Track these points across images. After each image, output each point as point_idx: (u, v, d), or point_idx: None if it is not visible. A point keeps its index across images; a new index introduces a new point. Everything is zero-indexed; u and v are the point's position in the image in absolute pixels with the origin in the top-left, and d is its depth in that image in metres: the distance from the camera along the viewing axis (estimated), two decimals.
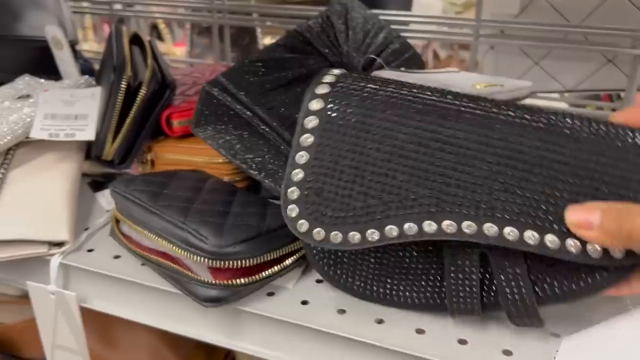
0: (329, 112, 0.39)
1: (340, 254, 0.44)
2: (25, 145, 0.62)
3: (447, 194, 0.37)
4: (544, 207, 0.35)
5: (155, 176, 0.58)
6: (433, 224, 0.36)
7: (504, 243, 0.37)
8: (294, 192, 0.39)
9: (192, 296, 0.46)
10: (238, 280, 0.45)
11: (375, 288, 0.44)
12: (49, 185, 0.58)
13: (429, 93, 0.39)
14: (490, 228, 0.36)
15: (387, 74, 0.59)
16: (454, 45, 1.58)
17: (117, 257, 0.53)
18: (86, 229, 0.58)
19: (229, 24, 0.87)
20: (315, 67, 0.59)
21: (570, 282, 0.37)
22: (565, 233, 0.35)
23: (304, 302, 0.47)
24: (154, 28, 2.73)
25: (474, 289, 0.40)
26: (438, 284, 0.43)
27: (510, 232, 0.36)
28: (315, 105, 0.39)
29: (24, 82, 0.70)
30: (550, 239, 0.35)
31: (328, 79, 0.39)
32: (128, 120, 0.60)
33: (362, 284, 0.44)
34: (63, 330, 0.55)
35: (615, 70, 0.77)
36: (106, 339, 0.72)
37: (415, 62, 0.70)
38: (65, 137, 0.60)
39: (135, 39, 0.70)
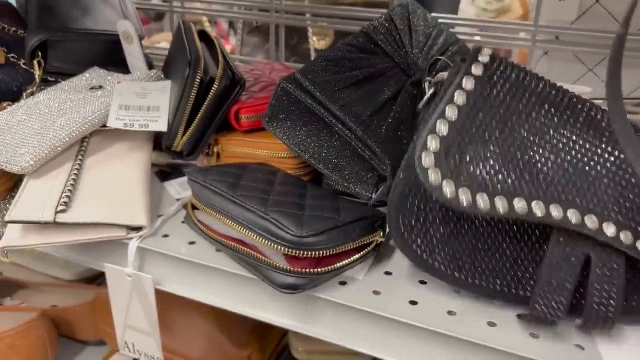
0: (486, 80, 0.40)
1: (432, 231, 0.44)
2: (98, 134, 0.65)
3: (576, 186, 0.38)
4: None
5: (229, 167, 0.60)
6: (560, 209, 0.37)
7: (617, 244, 0.38)
8: (432, 142, 0.38)
9: (269, 282, 0.48)
10: (314, 270, 0.47)
11: (458, 268, 0.44)
12: (125, 173, 0.61)
13: (555, 89, 0.42)
14: (608, 228, 0.38)
15: None
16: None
17: (192, 242, 0.56)
18: (159, 216, 0.60)
19: (284, 24, 0.89)
20: (382, 67, 0.60)
21: None
22: None
23: (376, 292, 0.49)
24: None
25: (569, 285, 0.40)
26: (520, 274, 0.44)
27: (624, 235, 0.38)
28: (475, 70, 0.40)
29: (94, 74, 0.73)
30: None
31: (483, 59, 0.41)
32: (200, 114, 0.63)
33: (446, 263, 0.44)
34: (136, 311, 0.57)
35: None
36: (164, 324, 0.75)
37: None
38: (139, 128, 0.63)
39: (202, 36, 0.72)
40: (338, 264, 0.49)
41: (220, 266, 0.52)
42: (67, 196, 0.55)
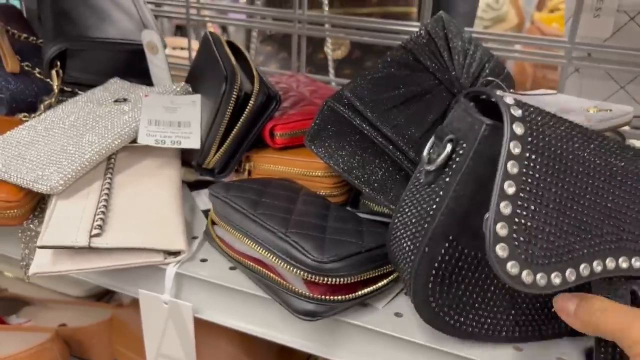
0: (531, 143, 0.36)
1: (461, 299, 0.42)
2: (124, 150, 0.62)
3: (622, 230, 0.37)
4: None
5: (251, 183, 0.58)
6: (613, 260, 0.36)
7: None
8: (503, 228, 0.34)
9: (287, 307, 0.46)
10: (334, 297, 0.45)
11: (487, 326, 0.43)
12: (158, 192, 0.58)
13: (588, 132, 0.40)
14: None
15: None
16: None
17: (232, 268, 0.53)
18: (194, 238, 0.57)
19: (306, 34, 0.87)
20: (427, 85, 0.58)
21: None
22: None
23: (398, 314, 0.48)
24: (179, 29, 2.73)
25: None
26: (537, 317, 0.44)
27: None
28: (517, 129, 0.36)
29: (117, 86, 0.70)
30: None
31: (517, 111, 0.37)
32: (235, 131, 0.60)
33: (475, 324, 0.43)
34: (171, 339, 0.55)
35: None
36: None
37: (509, 81, 0.70)
38: (171, 145, 0.60)
39: (230, 47, 0.70)
40: (359, 292, 0.47)
41: (259, 293, 0.50)
42: (100, 219, 0.52)
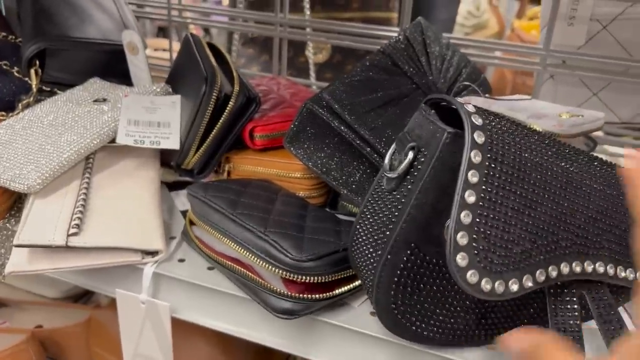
0: (492, 152, 0.37)
1: (423, 305, 0.42)
2: (103, 149, 0.62)
3: (576, 235, 0.38)
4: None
5: (230, 183, 0.58)
6: (567, 265, 0.37)
7: (615, 280, 0.40)
8: (463, 237, 0.34)
9: (265, 305, 0.47)
10: (311, 295, 0.46)
11: (447, 332, 0.43)
12: (137, 193, 0.58)
13: (547, 139, 0.41)
14: (600, 267, 0.40)
15: (476, 100, 0.60)
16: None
17: (210, 268, 0.53)
18: (172, 238, 0.57)
19: (287, 38, 0.88)
20: (405, 89, 0.60)
21: None
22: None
23: (373, 314, 0.48)
24: (161, 30, 2.71)
25: (578, 326, 0.39)
26: (497, 320, 0.44)
27: (612, 269, 0.40)
28: (478, 138, 0.36)
29: (96, 86, 0.70)
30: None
31: (478, 120, 0.37)
32: (214, 132, 0.60)
33: (437, 330, 0.43)
34: (148, 339, 0.55)
35: None
36: None
37: (485, 86, 0.71)
38: (150, 145, 0.60)
39: (211, 49, 0.70)
40: (336, 291, 0.48)
41: (237, 293, 0.50)
42: (78, 218, 0.51)
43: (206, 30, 2.13)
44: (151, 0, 0.94)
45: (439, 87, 0.63)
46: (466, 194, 0.35)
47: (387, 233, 0.40)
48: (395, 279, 0.40)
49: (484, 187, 0.35)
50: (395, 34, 0.90)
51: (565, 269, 0.38)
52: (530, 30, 2.63)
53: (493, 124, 0.38)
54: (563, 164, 0.40)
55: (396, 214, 0.40)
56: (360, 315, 0.48)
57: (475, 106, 0.39)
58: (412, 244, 0.39)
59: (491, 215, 0.35)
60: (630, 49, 0.75)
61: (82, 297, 0.95)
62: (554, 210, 0.38)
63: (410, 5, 0.79)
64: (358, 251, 0.44)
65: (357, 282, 0.49)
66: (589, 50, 0.77)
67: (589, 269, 0.39)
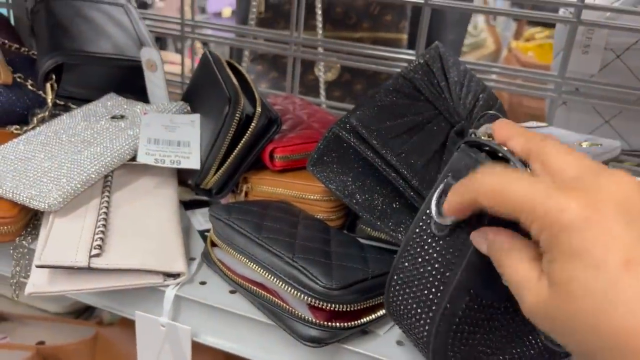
0: None
1: (480, 350, 0.41)
2: (120, 168, 0.61)
3: None
4: None
5: (251, 205, 0.58)
6: None
7: None
8: None
9: (291, 332, 0.47)
10: (338, 323, 0.46)
11: None
12: (156, 213, 0.57)
13: None
14: None
15: None
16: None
17: (233, 292, 0.53)
18: (192, 259, 0.57)
19: (300, 57, 0.88)
20: (427, 114, 0.60)
21: None
22: None
23: (399, 343, 0.48)
24: (157, 39, 2.71)
25: None
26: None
27: None
28: None
29: (113, 102, 0.70)
30: None
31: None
32: (235, 152, 0.60)
33: None
34: None
35: None
36: None
37: (501, 112, 0.72)
38: (171, 164, 0.59)
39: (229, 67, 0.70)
40: (363, 319, 0.47)
41: (261, 318, 0.50)
42: (100, 238, 0.51)
43: (204, 44, 2.13)
44: (163, 16, 0.94)
45: (460, 112, 0.63)
46: None
47: (444, 281, 0.39)
48: (454, 327, 0.38)
49: None
50: (406, 56, 0.91)
51: None
52: (527, 51, 2.67)
53: None
54: None
55: (453, 261, 0.38)
56: (387, 344, 0.48)
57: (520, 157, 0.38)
58: (471, 291, 0.38)
59: None
60: None
61: (84, 312, 0.94)
62: None
63: (426, 29, 0.79)
64: (402, 302, 0.42)
65: (382, 312, 0.49)
66: (602, 79, 0.78)
67: None
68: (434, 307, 0.39)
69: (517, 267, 0.32)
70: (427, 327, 0.40)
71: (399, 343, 0.48)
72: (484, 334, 0.40)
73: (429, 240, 0.40)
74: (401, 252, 0.42)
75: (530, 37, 2.74)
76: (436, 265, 0.39)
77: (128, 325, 0.81)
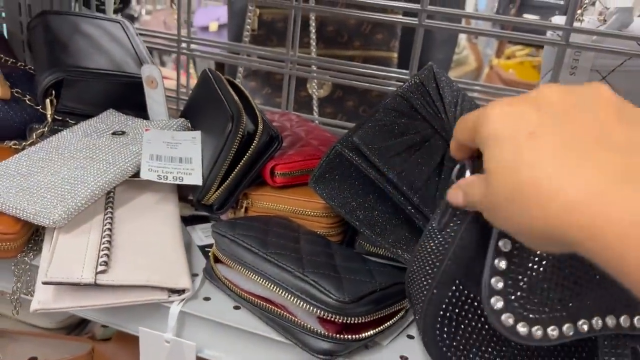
0: None
1: (469, 342, 0.43)
2: (122, 183, 0.61)
3: (610, 292, 0.39)
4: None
5: (253, 221, 0.59)
6: (614, 318, 0.39)
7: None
8: (499, 282, 0.36)
9: (302, 345, 0.48)
10: (348, 336, 0.47)
11: None
12: (160, 229, 0.58)
13: None
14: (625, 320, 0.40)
15: None
16: None
17: (237, 307, 0.53)
18: (194, 275, 0.57)
19: (296, 75, 0.90)
20: (425, 133, 0.61)
21: None
22: None
23: (403, 358, 0.49)
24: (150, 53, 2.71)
25: None
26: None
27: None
28: None
29: (113, 118, 0.70)
30: None
31: None
32: (237, 169, 0.61)
33: None
34: None
35: None
36: None
37: None
38: (173, 180, 0.60)
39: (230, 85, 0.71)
40: (372, 331, 0.49)
41: (266, 333, 0.50)
42: (105, 255, 0.51)
43: (193, 60, 2.14)
44: (159, 32, 0.95)
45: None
46: (500, 243, 0.37)
47: (435, 269, 0.42)
48: (441, 313, 0.41)
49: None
50: (396, 75, 0.93)
51: (611, 321, 0.39)
52: (508, 69, 2.73)
53: None
54: None
55: (443, 252, 0.42)
56: (390, 356, 0.49)
57: None
58: (457, 281, 0.41)
59: (528, 264, 0.37)
60: (629, 99, 0.79)
61: (75, 327, 0.93)
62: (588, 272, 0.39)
63: (419, 49, 0.81)
64: (413, 286, 0.45)
65: (388, 324, 0.50)
66: None
67: (625, 323, 0.40)
68: (425, 292, 0.43)
69: (473, 185, 0.37)
70: (419, 310, 0.43)
71: (403, 358, 0.49)
72: (475, 328, 0.42)
73: (432, 233, 0.44)
74: (419, 243, 0.46)
75: (511, 55, 2.81)
76: (432, 256, 0.43)
77: (124, 340, 0.80)
